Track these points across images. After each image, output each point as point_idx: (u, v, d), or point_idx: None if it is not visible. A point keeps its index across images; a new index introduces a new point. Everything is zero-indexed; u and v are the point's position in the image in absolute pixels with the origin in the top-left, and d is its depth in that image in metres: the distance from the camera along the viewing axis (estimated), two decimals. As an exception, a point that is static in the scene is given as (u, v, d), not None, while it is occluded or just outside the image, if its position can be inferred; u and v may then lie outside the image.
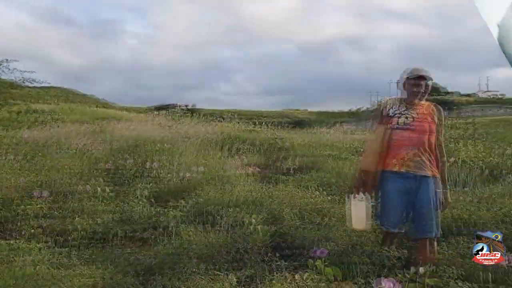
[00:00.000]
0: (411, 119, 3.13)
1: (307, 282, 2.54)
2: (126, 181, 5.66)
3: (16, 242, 3.55)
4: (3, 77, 10.94)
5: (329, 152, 8.00)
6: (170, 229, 3.77)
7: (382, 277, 2.59)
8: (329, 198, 4.55)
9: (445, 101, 43.45)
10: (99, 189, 4.88)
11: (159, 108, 27.60)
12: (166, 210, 4.34)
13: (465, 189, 5.16)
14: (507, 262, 3.08)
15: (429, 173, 3.11)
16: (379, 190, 3.21)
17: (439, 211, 3.15)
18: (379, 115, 3.29)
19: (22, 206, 4.32)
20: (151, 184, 5.26)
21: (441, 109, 3.29)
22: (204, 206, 4.20)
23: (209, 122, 11.98)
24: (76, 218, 4.12)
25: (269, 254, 3.15)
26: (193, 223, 3.80)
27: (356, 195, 3.17)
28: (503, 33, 2.40)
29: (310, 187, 4.92)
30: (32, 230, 3.88)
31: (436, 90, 57.08)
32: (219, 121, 13.72)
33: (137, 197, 4.77)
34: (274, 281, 2.59)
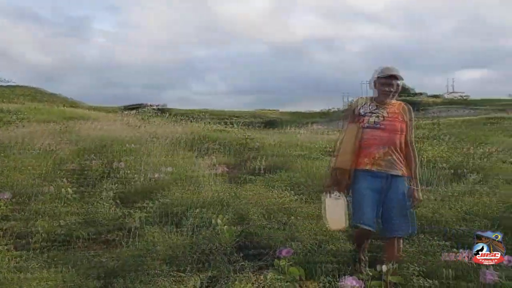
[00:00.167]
0: (382, 118, 3.14)
1: (270, 282, 2.54)
2: (92, 182, 5.56)
3: (-26, 246, 3.43)
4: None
5: (299, 152, 8.03)
6: (134, 230, 3.71)
7: (346, 276, 2.63)
8: (296, 197, 4.56)
9: (413, 102, 44.40)
10: (63, 190, 4.77)
11: (129, 108, 27.17)
12: (131, 211, 4.27)
13: (429, 187, 5.27)
14: (466, 258, 3.19)
15: (400, 172, 3.12)
16: (351, 189, 3.19)
17: (410, 210, 3.15)
18: (350, 114, 3.29)
19: (-18, 208, 4.17)
20: (116, 185, 5.17)
21: (411, 108, 3.31)
22: (170, 207, 4.16)
23: (179, 122, 11.86)
24: (38, 220, 4.01)
25: (235, 255, 3.13)
26: (159, 224, 3.75)
27: (331, 194, 3.15)
28: None
29: (278, 187, 4.93)
30: (-8, 233, 3.76)
31: (405, 90, 58.37)
32: (190, 121, 13.63)
33: (102, 198, 4.68)
34: (237, 282, 2.58)
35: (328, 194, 3.17)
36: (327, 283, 2.67)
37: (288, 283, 2.57)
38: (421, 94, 64.75)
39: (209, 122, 14.09)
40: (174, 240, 3.30)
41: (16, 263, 3.16)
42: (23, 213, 4.26)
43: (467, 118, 28.45)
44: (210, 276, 2.86)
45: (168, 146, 7.41)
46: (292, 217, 3.93)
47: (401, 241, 3.23)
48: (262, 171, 6.60)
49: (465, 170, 6.29)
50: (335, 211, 3.13)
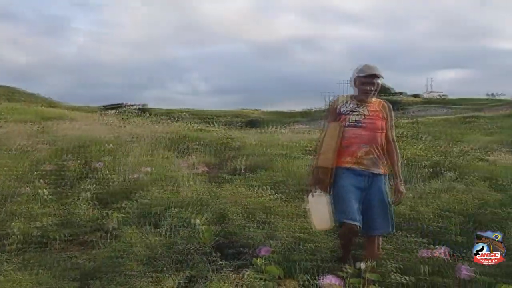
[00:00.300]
0: (362, 117, 3.14)
1: (248, 281, 2.54)
2: (69, 183, 5.48)
3: None
4: None
5: (279, 151, 8.03)
6: (112, 231, 3.67)
7: (324, 274, 2.64)
8: (276, 196, 4.57)
9: (393, 101, 44.91)
10: (40, 191, 4.69)
11: (108, 108, 26.87)
12: (109, 212, 4.22)
13: (407, 185, 5.33)
14: (443, 255, 3.24)
15: (381, 170, 3.14)
16: (333, 186, 3.16)
17: (389, 208, 3.16)
18: (332, 112, 3.28)
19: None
20: (94, 186, 5.10)
21: (391, 106, 3.32)
22: (148, 207, 4.12)
23: (159, 122, 11.77)
24: (14, 222, 3.92)
25: (214, 254, 3.11)
26: (137, 225, 3.71)
27: (314, 192, 3.13)
28: None
29: (258, 186, 4.93)
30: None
31: (385, 90, 59.10)
32: (170, 120, 13.53)
33: (80, 199, 4.61)
34: (215, 281, 2.58)
35: (310, 193, 3.15)
36: (305, 281, 2.68)
37: (266, 281, 2.57)
38: (401, 93, 65.71)
39: (190, 122, 14.01)
40: (152, 241, 3.27)
41: (-9, 265, 3.09)
42: (-3, 215, 4.17)
43: (445, 117, 28.98)
44: (188, 276, 2.84)
45: (148, 146, 7.34)
46: (272, 216, 3.93)
47: (380, 238, 3.26)
48: (242, 171, 6.59)
49: (442, 168, 6.38)
50: (319, 210, 3.11)
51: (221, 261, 3.03)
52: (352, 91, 3.36)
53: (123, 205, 4.33)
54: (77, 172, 5.84)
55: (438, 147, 8.25)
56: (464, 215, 4.14)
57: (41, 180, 5.24)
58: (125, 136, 8.01)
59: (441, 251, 3.22)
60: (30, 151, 6.76)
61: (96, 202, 4.68)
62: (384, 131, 3.19)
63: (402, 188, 3.21)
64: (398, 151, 3.31)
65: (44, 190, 4.74)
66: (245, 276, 2.56)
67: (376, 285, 2.53)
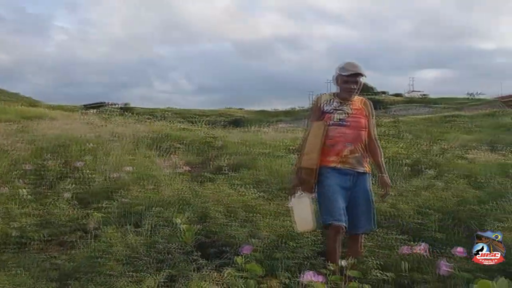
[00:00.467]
0: (346, 115, 3.13)
1: (227, 280, 2.53)
2: (49, 183, 5.40)
3: None
4: None
5: (263, 150, 8.02)
6: (92, 231, 3.62)
7: (306, 271, 2.64)
8: (258, 195, 4.56)
9: (376, 100, 45.47)
10: (19, 191, 4.62)
11: (90, 107, 26.57)
12: (89, 211, 4.17)
13: (388, 183, 5.38)
14: (423, 251, 3.28)
15: (365, 169, 3.15)
16: (318, 187, 3.13)
17: (373, 206, 3.19)
18: (315, 111, 3.25)
19: None
20: (74, 186, 5.03)
21: (371, 103, 3.32)
22: (129, 206, 4.08)
23: (141, 121, 11.66)
24: (-10, 223, 3.85)
25: (195, 253, 3.09)
26: (117, 225, 3.67)
27: (296, 193, 3.11)
28: None
29: (240, 185, 4.92)
30: None
31: (368, 89, 59.73)
32: (153, 119, 13.42)
33: (59, 199, 4.55)
34: (194, 280, 2.56)
35: (293, 195, 3.13)
36: (287, 279, 2.68)
37: (247, 280, 2.56)
38: (383, 93, 66.55)
39: (173, 121, 13.92)
40: (132, 240, 3.24)
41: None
42: (-26, 215, 4.08)
43: (426, 116, 29.38)
44: (169, 275, 2.82)
45: (129, 146, 7.26)
46: (254, 215, 3.92)
47: (363, 236, 3.27)
48: (225, 170, 6.57)
49: (422, 166, 6.46)
50: (302, 212, 3.09)
51: (202, 260, 3.01)
52: (334, 89, 3.34)
53: (104, 204, 4.28)
54: (57, 171, 5.75)
55: (419, 146, 8.32)
56: (443, 212, 4.18)
57: (20, 180, 5.17)
58: (106, 135, 7.90)
59: (420, 248, 3.25)
60: (9, 151, 6.63)
61: (76, 202, 4.62)
62: (367, 129, 3.19)
63: (388, 180, 3.25)
64: (381, 148, 3.32)
65: (24, 190, 4.68)
66: (226, 275, 2.55)
67: (357, 281, 2.54)
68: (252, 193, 4.54)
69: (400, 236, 3.56)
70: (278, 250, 3.29)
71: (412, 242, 3.44)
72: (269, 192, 4.92)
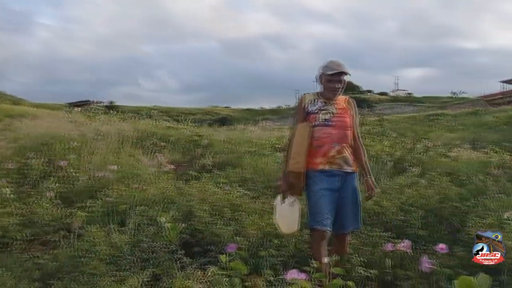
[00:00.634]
0: (331, 115, 3.09)
1: (210, 278, 2.53)
2: (32, 182, 5.33)
3: None
4: None
5: (248, 149, 8.02)
6: (75, 230, 3.59)
7: (290, 269, 2.66)
8: (243, 193, 4.56)
9: (361, 99, 45.85)
10: (1, 190, 4.54)
11: (75, 105, 26.26)
12: (73, 211, 4.13)
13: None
14: (406, 248, 3.32)
15: (353, 168, 3.12)
16: (306, 190, 3.10)
17: (360, 205, 3.18)
18: (300, 112, 3.19)
19: None
20: (57, 185, 4.97)
21: (355, 102, 3.28)
22: (113, 205, 4.05)
23: (126, 119, 11.56)
24: (-29, 223, 3.79)
25: (179, 252, 3.08)
26: (101, 224, 3.64)
27: (285, 200, 3.07)
28: None
29: (225, 183, 4.92)
30: None
31: (354, 88, 60.16)
32: (138, 118, 13.33)
33: (42, 198, 4.49)
34: (178, 279, 2.56)
35: (282, 200, 3.09)
36: (271, 277, 2.69)
37: (231, 278, 2.57)
38: (369, 91, 67.11)
39: (159, 120, 13.85)
40: (116, 239, 3.22)
41: None
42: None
43: (411, 115, 29.68)
44: (153, 274, 2.81)
45: (114, 144, 7.20)
46: (239, 213, 3.92)
47: (349, 235, 3.28)
48: (210, 168, 6.56)
49: (406, 164, 6.52)
50: (289, 216, 3.07)
51: (186, 258, 3.01)
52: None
53: (88, 204, 4.23)
54: (41, 170, 5.67)
55: (403, 144, 8.40)
56: (426, 209, 4.23)
57: (3, 179, 5.07)
58: (90, 134, 7.83)
59: (404, 245, 3.29)
60: (-9, 150, 6.53)
61: (59, 201, 4.57)
62: (352, 128, 3.16)
63: (373, 183, 3.22)
64: (364, 148, 3.30)
65: (6, 189, 4.59)
66: (209, 273, 2.55)
67: (341, 279, 2.56)
68: (237, 192, 4.54)
69: (384, 233, 3.60)
70: (263, 248, 3.30)
71: (395, 239, 3.47)
72: (255, 191, 4.93)
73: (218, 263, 2.78)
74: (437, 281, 2.94)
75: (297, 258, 3.30)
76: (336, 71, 3.08)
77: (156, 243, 3.14)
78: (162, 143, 8.33)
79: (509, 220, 3.51)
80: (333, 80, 3.10)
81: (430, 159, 6.97)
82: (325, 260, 2.87)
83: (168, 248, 3.12)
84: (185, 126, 11.05)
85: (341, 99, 3.20)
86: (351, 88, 57.19)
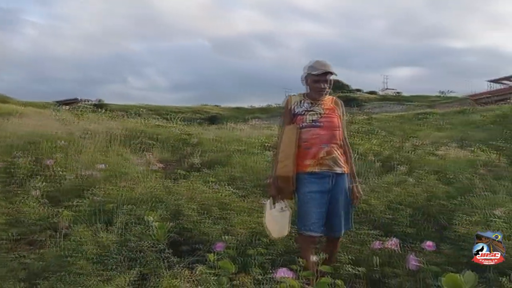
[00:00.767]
0: (319, 116, 3.03)
1: (198, 277, 2.53)
2: (18, 181, 5.26)
3: None
4: None
5: (238, 147, 8.01)
6: (62, 230, 3.55)
7: (278, 267, 2.66)
8: (232, 192, 4.55)
9: (350, 98, 46.12)
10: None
11: (63, 103, 26.02)
12: (60, 210, 4.09)
13: (360, 179, 5.44)
14: (394, 246, 3.34)
15: (343, 169, 3.06)
16: (296, 193, 3.05)
17: (351, 207, 3.14)
18: (287, 113, 3.13)
19: None
20: (44, 184, 4.92)
21: (342, 102, 3.23)
22: (100, 204, 4.01)
23: (114, 118, 11.48)
24: (-45, 223, 3.73)
25: (167, 251, 3.07)
26: (88, 223, 3.61)
27: (275, 205, 3.02)
28: None
29: (214, 182, 4.91)
30: None
31: (343, 87, 60.47)
32: (127, 116, 13.25)
33: (28, 197, 4.44)
34: (166, 278, 2.55)
35: (273, 205, 3.03)
36: (259, 275, 2.69)
37: (219, 277, 2.56)
38: (358, 90, 67.52)
39: (147, 118, 13.77)
40: (103, 239, 3.19)
41: None
42: None
43: (400, 113, 29.88)
44: (140, 273, 2.80)
45: (102, 143, 7.15)
46: (228, 212, 3.91)
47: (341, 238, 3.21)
48: (199, 167, 6.54)
49: (395, 162, 6.56)
50: (280, 221, 3.03)
51: (174, 257, 2.99)
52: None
53: (75, 203, 4.19)
54: (28, 169, 5.61)
55: (391, 143, 8.45)
56: (414, 207, 4.26)
57: (-13, 179, 5.01)
58: (78, 132, 7.76)
59: (391, 243, 3.31)
60: (-23, 149, 6.43)
61: (46, 200, 4.52)
62: (341, 128, 3.11)
63: (360, 190, 3.18)
64: (351, 151, 3.25)
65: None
66: (197, 272, 2.54)
67: (329, 277, 2.56)
68: (226, 190, 4.52)
69: (372, 231, 3.62)
70: (252, 247, 3.29)
71: (383, 237, 3.49)
72: (244, 189, 4.92)
73: (206, 262, 2.77)
74: (424, 279, 2.96)
75: (286, 257, 3.30)
76: (322, 71, 3.04)
77: (144, 242, 3.12)
78: (151, 142, 8.27)
79: (496, 217, 3.55)
80: (319, 80, 3.06)
81: (418, 158, 7.03)
82: (314, 258, 2.88)
83: (156, 247, 3.10)
84: (174, 125, 10.98)
85: (328, 99, 3.15)
86: (340, 87, 57.52)
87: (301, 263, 2.70)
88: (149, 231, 3.32)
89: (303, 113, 3.06)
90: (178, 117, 12.36)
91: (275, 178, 3.03)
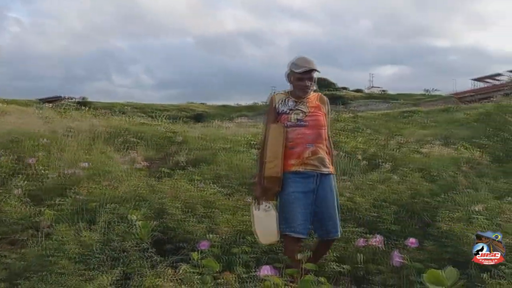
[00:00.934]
0: (304, 115, 2.97)
1: (181, 276, 2.51)
2: (0, 179, 5.17)
3: None
4: None
5: (223, 145, 7.97)
6: (44, 229, 3.50)
7: (262, 265, 2.65)
8: (217, 190, 4.53)
9: (336, 96, 46.36)
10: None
11: (45, 101, 25.66)
12: (42, 209, 4.02)
13: (346, 177, 5.48)
14: (378, 243, 3.36)
15: (330, 170, 3.00)
16: (279, 194, 2.97)
17: (339, 208, 3.05)
18: (271, 112, 3.06)
19: None
20: (26, 182, 4.84)
21: (328, 100, 3.17)
22: (83, 203, 3.96)
23: (98, 116, 11.35)
24: None
25: (150, 250, 3.04)
26: (70, 222, 3.57)
27: (260, 207, 2.94)
28: None
29: (199, 180, 4.87)
30: None
31: (329, 85, 60.78)
32: (111, 114, 13.10)
33: (10, 196, 4.36)
34: (149, 277, 2.52)
35: (258, 206, 2.95)
36: (243, 273, 2.68)
37: (203, 275, 2.54)
38: (344, 88, 67.96)
39: (132, 116, 13.64)
40: (86, 238, 3.15)
41: None
42: None
43: (385, 111, 30.14)
44: (123, 273, 2.77)
45: (86, 141, 7.05)
46: (212, 210, 3.89)
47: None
48: (184, 165, 6.49)
49: (379, 160, 6.60)
50: (266, 224, 2.93)
51: (157, 256, 2.97)
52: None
53: (57, 202, 4.13)
54: (9, 168, 5.51)
55: (376, 140, 8.50)
56: (398, 205, 4.29)
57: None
58: (61, 130, 7.64)
59: (376, 240, 3.33)
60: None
61: (28, 199, 4.45)
62: (326, 126, 3.05)
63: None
64: (333, 151, 3.19)
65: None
66: (181, 271, 2.52)
67: (312, 274, 2.56)
68: (211, 189, 4.49)
69: (357, 229, 3.63)
70: (236, 245, 3.28)
71: (368, 235, 3.51)
72: (229, 187, 4.89)
73: (190, 261, 2.75)
74: (407, 275, 2.99)
75: (271, 255, 3.30)
76: (305, 69, 2.97)
77: (127, 242, 3.08)
78: (135, 140, 8.18)
79: (478, 214, 3.60)
80: (303, 78, 2.99)
81: (402, 156, 7.07)
82: (298, 256, 2.87)
83: (139, 246, 3.07)
84: (160, 123, 10.89)
85: (313, 96, 3.09)
86: (326, 85, 57.80)
87: (286, 261, 2.70)
88: (133, 230, 3.28)
89: (287, 112, 3.00)
90: (164, 115, 12.25)
91: (262, 178, 2.95)
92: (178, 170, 5.80)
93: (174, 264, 2.87)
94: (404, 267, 3.01)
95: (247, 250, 3.14)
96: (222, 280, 2.58)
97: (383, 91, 67.36)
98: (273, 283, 2.36)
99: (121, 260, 2.97)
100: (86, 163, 5.44)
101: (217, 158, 6.75)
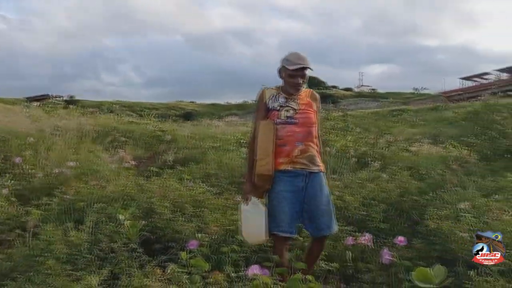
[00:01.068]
0: (294, 112, 2.90)
1: (169, 275, 2.49)
2: (-16, 180, 5.10)
3: None
4: None
5: (212, 144, 7.95)
6: (30, 229, 3.45)
7: (251, 264, 2.64)
8: (206, 189, 4.50)
9: (326, 95, 46.53)
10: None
11: (33, 99, 25.42)
12: (29, 209, 3.98)
13: (335, 176, 5.49)
14: (367, 242, 3.38)
15: (320, 168, 2.94)
16: (267, 193, 2.92)
17: (332, 206, 2.99)
18: (261, 108, 2.99)
19: None
20: (13, 182, 4.78)
21: (319, 97, 3.13)
22: (70, 203, 3.92)
23: (86, 114, 11.24)
24: None
25: (138, 250, 3.01)
26: (57, 222, 3.53)
27: (248, 203, 2.87)
28: None
29: (188, 179, 4.85)
30: None
31: (319, 83, 60.99)
32: (99, 113, 13.00)
33: (-5, 196, 4.31)
34: (136, 277, 2.50)
35: (246, 202, 2.89)
36: (232, 273, 2.66)
37: (192, 275, 2.53)
38: (334, 87, 68.28)
39: (120, 114, 13.55)
40: (73, 238, 3.11)
41: None
42: None
43: (374, 110, 30.31)
44: (112, 273, 2.74)
45: (73, 140, 6.99)
46: (201, 209, 3.86)
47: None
48: (173, 164, 6.46)
49: (369, 158, 6.62)
50: (254, 221, 2.85)
51: (146, 256, 2.94)
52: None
53: (44, 201, 4.09)
54: (-5, 167, 5.45)
55: (366, 139, 8.52)
56: (387, 203, 4.31)
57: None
58: (48, 129, 7.56)
59: (365, 238, 3.34)
60: None
61: (15, 198, 4.40)
62: (317, 124, 3.00)
63: None
64: (321, 150, 3.12)
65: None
66: (169, 271, 2.50)
67: (299, 272, 2.56)
68: (200, 188, 4.46)
69: (346, 227, 3.63)
70: (225, 244, 3.26)
71: (357, 233, 3.52)
72: (219, 186, 4.86)
73: (179, 261, 2.73)
74: (396, 273, 2.99)
75: (260, 254, 3.28)
76: (298, 66, 2.90)
77: (116, 242, 3.05)
78: (123, 139, 8.12)
79: (465, 212, 3.63)
80: (295, 75, 2.92)
81: (392, 154, 7.11)
82: (287, 256, 2.87)
83: (128, 246, 3.04)
84: (148, 121, 10.82)
85: (304, 93, 3.03)
86: (316, 84, 57.98)
87: (275, 260, 2.69)
88: (121, 229, 3.25)
89: (278, 108, 2.93)
90: (152, 114, 12.17)
91: (253, 175, 2.89)
92: (167, 169, 5.78)
93: (163, 264, 2.85)
94: (393, 265, 3.02)
95: (236, 249, 3.11)
96: (211, 279, 2.57)
97: (373, 89, 67.85)
98: (262, 282, 2.35)
99: (109, 260, 2.94)
100: (74, 162, 5.39)
101: (207, 157, 6.73)
